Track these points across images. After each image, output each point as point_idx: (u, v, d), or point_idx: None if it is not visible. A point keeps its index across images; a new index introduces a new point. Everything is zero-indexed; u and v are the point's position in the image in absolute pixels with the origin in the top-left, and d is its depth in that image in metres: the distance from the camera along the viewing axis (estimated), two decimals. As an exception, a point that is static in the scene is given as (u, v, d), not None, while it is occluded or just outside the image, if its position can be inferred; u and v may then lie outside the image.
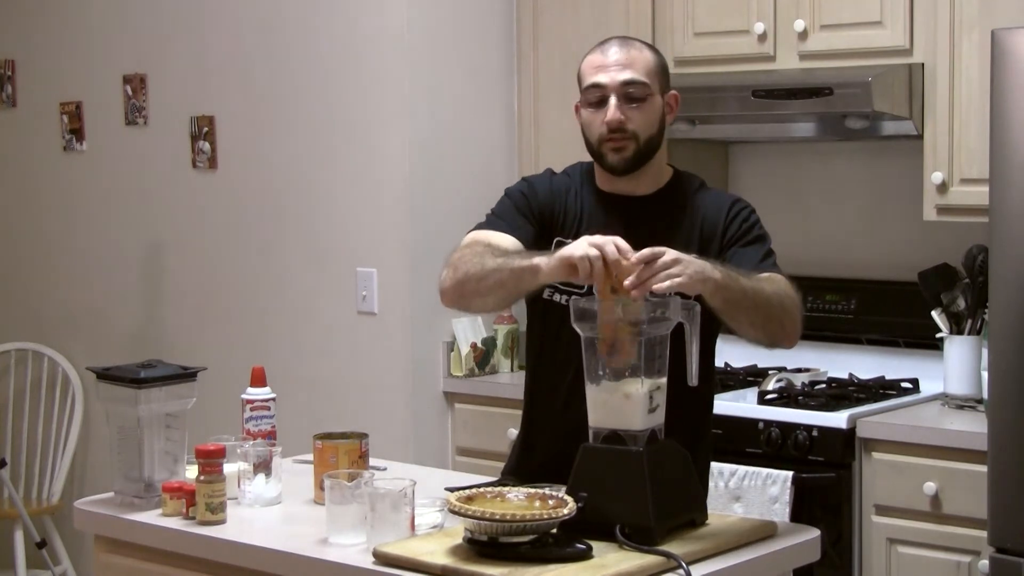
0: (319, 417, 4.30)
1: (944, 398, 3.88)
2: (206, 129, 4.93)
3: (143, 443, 2.85)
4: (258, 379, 3.05)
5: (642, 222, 2.83)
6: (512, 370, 4.60)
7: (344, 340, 4.60)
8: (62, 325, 5.44)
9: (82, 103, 5.31)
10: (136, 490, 2.86)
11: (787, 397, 3.92)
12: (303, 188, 4.69)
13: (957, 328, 3.86)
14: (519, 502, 2.43)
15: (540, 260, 2.63)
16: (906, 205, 4.11)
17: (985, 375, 3.49)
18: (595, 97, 2.84)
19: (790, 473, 3.71)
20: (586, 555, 2.37)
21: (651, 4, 4.27)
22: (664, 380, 2.53)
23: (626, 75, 2.82)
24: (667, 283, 2.49)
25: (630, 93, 2.82)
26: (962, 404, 3.81)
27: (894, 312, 4.16)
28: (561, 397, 2.87)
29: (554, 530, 2.39)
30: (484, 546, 2.37)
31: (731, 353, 4.42)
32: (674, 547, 2.42)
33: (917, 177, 3.88)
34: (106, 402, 2.95)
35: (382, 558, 2.42)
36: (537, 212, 2.91)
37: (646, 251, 2.52)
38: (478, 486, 2.59)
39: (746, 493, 3.75)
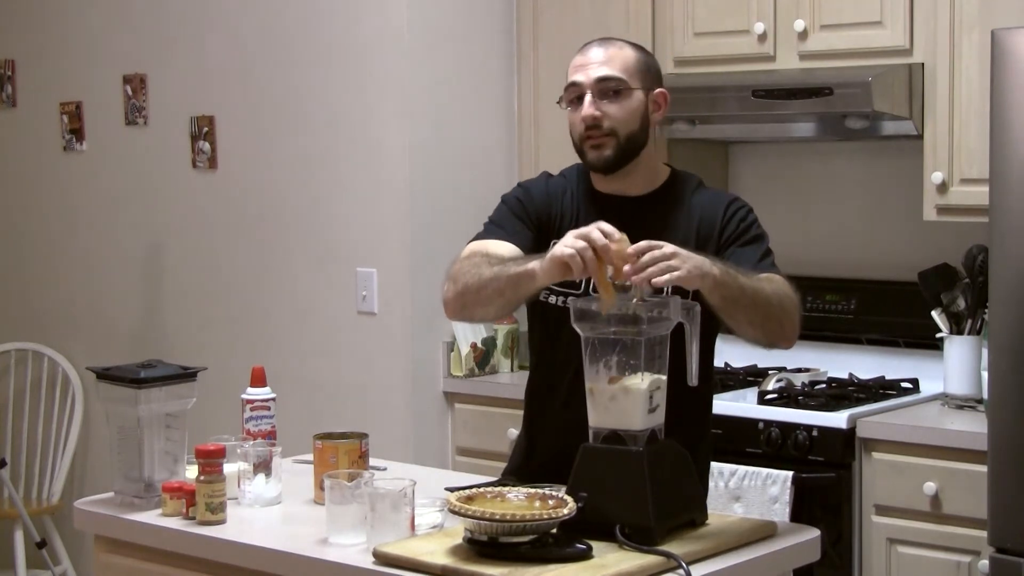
0: (319, 417, 4.30)
1: (944, 398, 3.88)
2: (206, 129, 4.93)
3: (143, 443, 2.85)
4: (258, 379, 3.05)
5: (638, 222, 2.80)
6: (512, 370, 4.60)
7: (344, 340, 4.60)
8: (62, 325, 5.44)
9: (82, 103, 5.31)
10: (136, 490, 2.86)
11: (787, 397, 3.92)
12: (303, 188, 4.69)
13: (957, 328, 3.86)
14: (519, 502, 2.43)
15: (535, 264, 2.64)
16: (906, 205, 4.11)
17: (985, 375, 3.49)
18: (574, 95, 2.86)
19: (790, 473, 3.71)
20: (586, 555, 2.37)
21: (651, 4, 4.27)
22: (664, 379, 2.53)
23: (601, 71, 2.84)
24: (665, 276, 2.49)
25: (606, 88, 2.83)
26: (962, 404, 3.81)
27: (894, 312, 4.16)
28: (561, 397, 2.88)
29: (554, 530, 2.39)
30: (484, 546, 2.37)
31: (731, 353, 4.42)
32: (674, 547, 2.42)
33: (917, 177, 3.88)
34: (106, 402, 2.95)
35: (382, 558, 2.42)
36: (534, 216, 2.91)
37: (643, 243, 2.53)
38: (478, 486, 2.59)
39: (746, 493, 3.75)
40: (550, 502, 2.41)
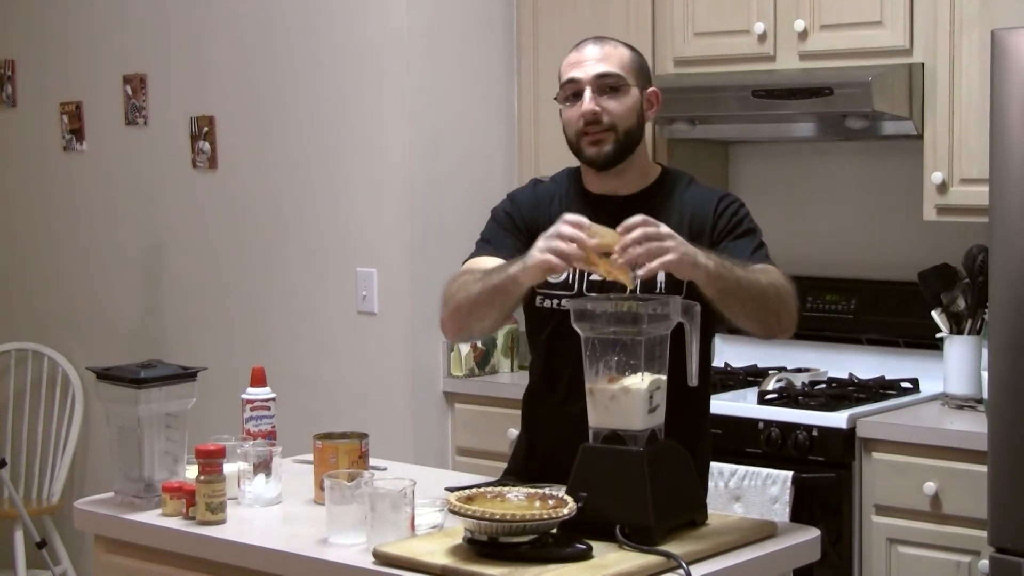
0: (319, 417, 4.30)
1: (944, 398, 3.88)
2: (206, 129, 4.93)
3: (143, 443, 2.85)
4: (258, 379, 3.05)
5: (622, 220, 2.77)
6: (512, 370, 4.60)
7: (344, 340, 4.60)
8: (62, 325, 5.44)
9: (82, 103, 5.31)
10: (136, 490, 2.86)
11: (787, 397, 3.92)
12: (303, 188, 4.69)
13: (957, 328, 3.86)
14: (519, 502, 2.43)
15: (516, 270, 2.65)
16: (906, 205, 4.11)
17: (985, 375, 3.49)
18: (571, 91, 2.87)
19: (790, 473, 3.71)
20: (586, 555, 2.37)
21: (651, 4, 4.27)
22: (664, 379, 2.53)
23: (600, 67, 2.85)
24: (656, 263, 2.51)
25: (605, 84, 2.85)
26: (962, 404, 3.81)
27: (894, 312, 4.16)
28: (558, 397, 2.88)
29: (554, 530, 2.39)
30: (484, 546, 2.37)
31: (731, 353, 4.42)
32: (674, 547, 2.42)
33: (917, 177, 3.88)
34: (106, 402, 2.95)
35: (382, 558, 2.42)
36: (523, 226, 2.92)
37: (638, 217, 2.54)
38: (478, 486, 2.59)
39: (746, 493, 3.75)
40: (550, 502, 2.41)
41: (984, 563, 3.39)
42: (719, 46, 4.14)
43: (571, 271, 2.83)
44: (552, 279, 2.82)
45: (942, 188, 3.79)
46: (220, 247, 4.93)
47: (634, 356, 2.49)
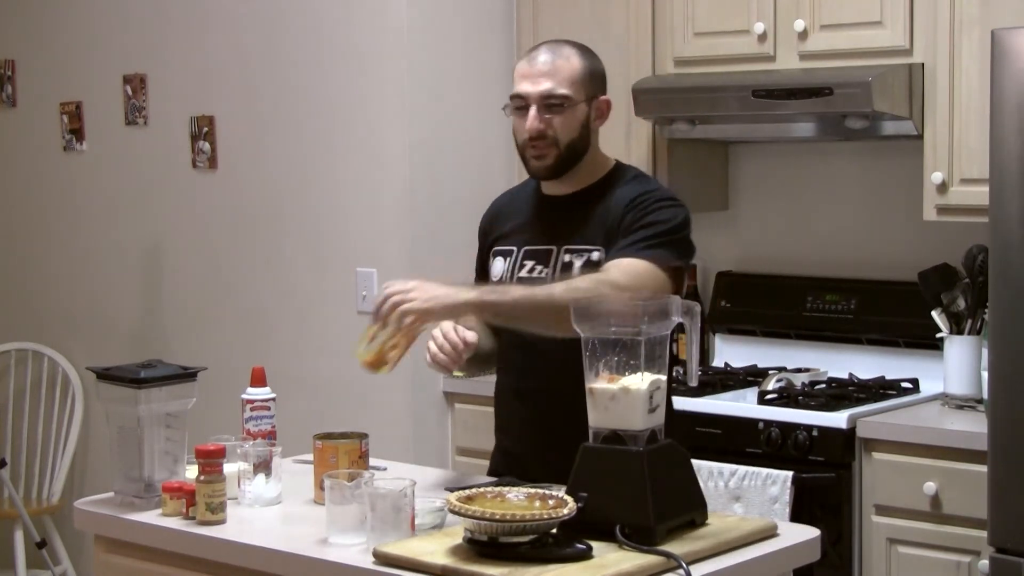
0: (319, 417, 4.30)
1: (944, 398, 3.88)
2: (206, 129, 4.93)
3: (143, 443, 2.85)
4: (258, 379, 3.05)
5: (561, 220, 2.96)
6: (512, 370, 4.60)
7: (344, 340, 4.57)
8: (62, 325, 5.44)
9: (82, 103, 5.31)
10: (136, 490, 2.86)
11: (787, 397, 3.92)
12: (303, 188, 4.69)
13: (957, 328, 3.86)
14: (519, 502, 2.43)
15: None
16: (906, 205, 4.11)
17: (985, 375, 3.49)
18: (519, 104, 2.95)
19: (790, 473, 3.71)
20: (586, 555, 2.37)
21: (651, 4, 4.27)
22: (664, 379, 2.54)
23: (546, 86, 2.93)
24: (408, 319, 2.64)
25: (550, 103, 2.92)
26: (962, 404, 3.81)
27: (894, 312, 4.16)
28: (503, 382, 3.10)
29: (554, 530, 2.39)
30: (484, 546, 2.37)
31: (731, 353, 4.42)
32: (674, 547, 2.42)
33: (917, 177, 3.88)
34: (106, 402, 2.95)
35: (382, 558, 2.42)
36: (489, 245, 3.11)
37: (388, 289, 2.68)
38: (478, 486, 2.59)
39: (746, 493, 3.75)
40: (550, 502, 2.41)
41: (984, 563, 3.39)
42: (719, 46, 4.14)
43: (505, 270, 3.00)
44: (493, 276, 3.02)
45: (942, 188, 3.79)
46: (220, 247, 4.93)
47: (634, 356, 2.49)
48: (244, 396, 3.03)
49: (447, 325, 2.90)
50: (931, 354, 4.01)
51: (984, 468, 3.34)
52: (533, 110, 2.92)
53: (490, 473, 3.10)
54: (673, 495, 2.51)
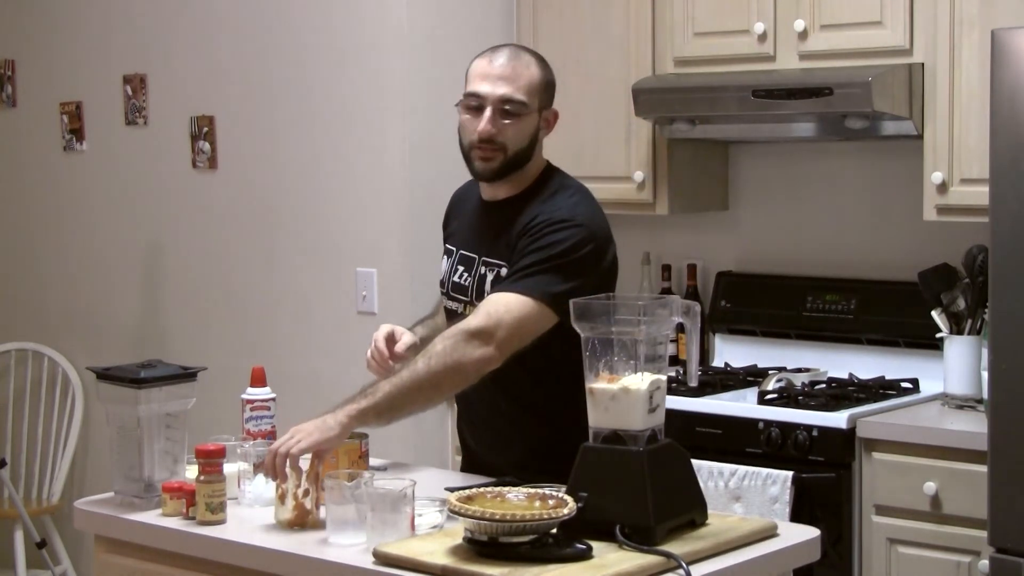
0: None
1: (944, 398, 3.88)
2: (206, 129, 4.93)
3: (143, 443, 2.85)
4: (258, 379, 3.05)
5: (486, 228, 3.00)
6: (512, 370, 4.60)
7: (344, 340, 4.60)
8: (62, 325, 5.44)
9: (82, 103, 5.32)
10: (136, 490, 2.86)
11: (787, 397, 3.92)
12: (303, 188, 4.69)
13: (957, 328, 3.86)
14: (519, 502, 2.43)
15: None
16: (906, 205, 4.11)
17: (985, 375, 3.49)
18: (473, 103, 2.94)
19: (790, 473, 3.71)
20: (586, 555, 2.37)
21: (651, 4, 4.26)
22: (664, 379, 2.54)
23: (506, 91, 2.92)
24: (299, 459, 2.65)
25: (506, 109, 2.91)
26: (962, 404, 3.81)
27: (894, 312, 4.16)
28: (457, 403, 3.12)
29: (554, 530, 2.39)
30: (484, 546, 2.37)
31: (731, 353, 4.42)
32: (674, 547, 2.42)
33: (917, 177, 3.88)
34: (106, 402, 2.95)
35: (382, 558, 2.42)
36: (445, 238, 3.18)
37: (272, 446, 2.70)
38: (478, 486, 2.60)
39: (746, 493, 3.75)
40: (550, 502, 2.41)
41: (984, 563, 3.38)
42: (719, 46, 4.14)
43: (447, 271, 3.08)
44: (440, 273, 3.08)
45: (942, 188, 3.79)
46: (220, 247, 4.93)
47: (634, 356, 2.49)
48: (244, 396, 3.04)
49: (383, 331, 3.00)
50: (931, 354, 4.00)
51: (984, 468, 3.34)
52: (488, 112, 2.91)
53: (463, 472, 3.15)
54: (673, 495, 2.51)
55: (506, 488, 2.50)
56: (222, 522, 2.71)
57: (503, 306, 2.77)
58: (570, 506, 2.40)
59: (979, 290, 3.76)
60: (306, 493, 2.66)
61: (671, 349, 3.76)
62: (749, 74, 4.04)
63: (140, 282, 5.20)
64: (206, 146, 4.93)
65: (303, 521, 2.65)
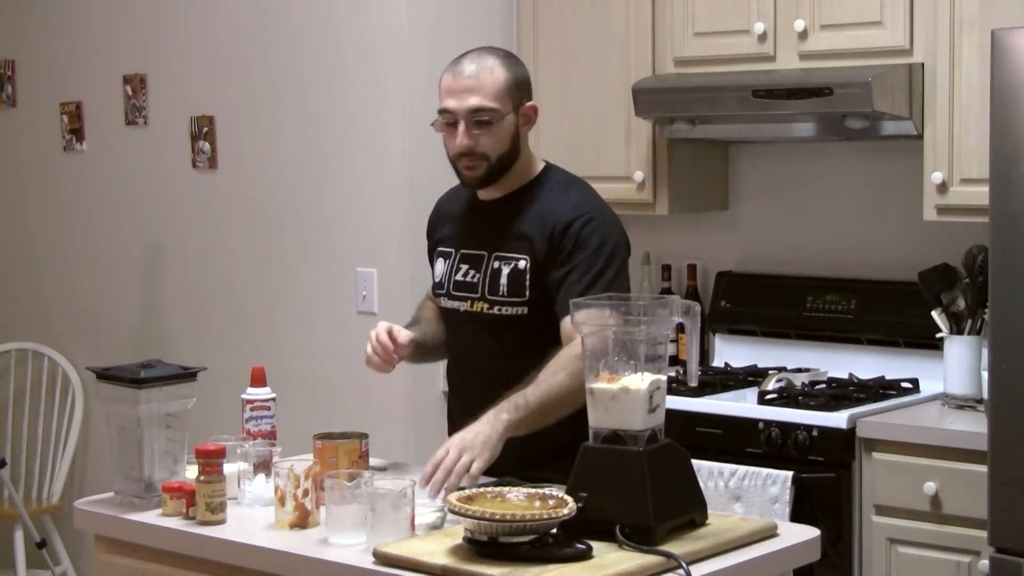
0: (319, 417, 4.30)
1: (944, 398, 3.88)
2: (206, 129, 4.93)
3: (143, 443, 2.85)
4: (258, 379, 3.05)
5: (491, 225, 3.02)
6: (512, 370, 4.59)
7: (344, 340, 4.59)
8: (62, 325, 5.44)
9: (82, 103, 5.31)
10: (136, 490, 2.86)
11: (787, 397, 3.92)
12: (303, 188, 4.69)
13: (957, 328, 3.86)
14: (519, 502, 2.43)
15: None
16: (906, 205, 4.11)
17: (985, 375, 3.49)
18: (447, 120, 2.98)
19: (790, 473, 3.71)
20: (586, 555, 2.37)
21: (651, 4, 4.26)
22: (664, 379, 2.54)
23: (473, 102, 2.95)
24: (470, 474, 2.71)
25: (478, 119, 2.94)
26: (962, 404, 3.81)
27: (894, 312, 4.16)
28: (454, 390, 3.18)
29: (554, 530, 2.39)
30: (484, 546, 2.37)
31: (731, 353, 4.42)
32: (674, 547, 2.42)
33: (917, 177, 3.88)
34: (106, 402, 2.95)
35: (382, 558, 2.42)
36: (432, 245, 3.21)
37: (433, 461, 2.76)
38: (478, 486, 2.60)
39: (746, 493, 3.75)
40: (550, 502, 2.41)
41: (984, 563, 3.39)
42: (719, 46, 4.14)
43: (445, 272, 3.09)
44: (435, 277, 3.15)
45: (942, 188, 3.79)
46: (220, 247, 4.93)
47: (634, 356, 2.49)
48: (244, 396, 3.04)
49: (381, 327, 3.03)
50: (931, 354, 4.01)
51: (984, 468, 3.34)
52: (462, 126, 2.94)
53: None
54: (673, 495, 2.51)
55: (506, 488, 2.50)
56: (222, 522, 2.72)
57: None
58: (570, 506, 2.40)
59: (979, 290, 3.76)
60: (306, 493, 2.66)
61: (671, 349, 3.76)
62: (749, 74, 4.04)
63: (140, 282, 5.20)
64: (206, 146, 4.93)
65: (304, 520, 2.66)
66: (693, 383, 2.69)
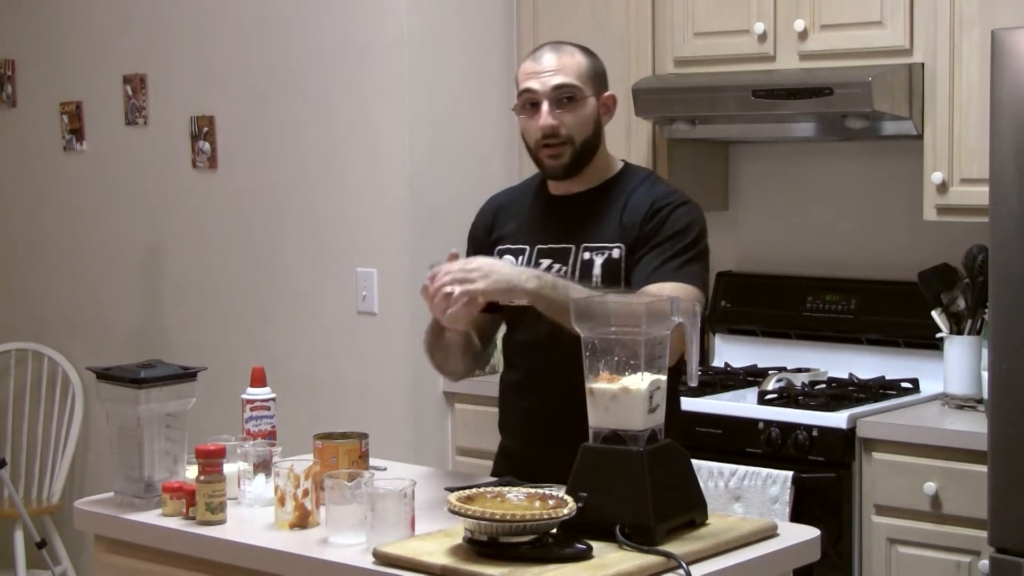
0: (319, 417, 4.30)
1: (944, 398, 3.88)
2: (206, 129, 4.93)
3: (143, 443, 2.85)
4: (258, 379, 3.05)
5: (575, 219, 2.95)
6: (512, 370, 4.60)
7: (344, 340, 4.60)
8: (62, 325, 5.44)
9: (82, 103, 5.32)
10: (136, 490, 2.86)
11: (787, 397, 3.92)
12: (303, 188, 4.69)
13: (957, 328, 3.86)
14: (519, 502, 2.43)
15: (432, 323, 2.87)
16: (906, 205, 4.11)
17: (985, 375, 3.49)
18: (528, 102, 2.93)
19: (790, 473, 3.71)
20: (586, 555, 2.37)
21: (651, 4, 4.27)
22: (664, 379, 2.54)
23: (556, 79, 2.91)
24: (458, 290, 2.65)
25: (561, 96, 2.90)
26: (962, 404, 3.82)
27: (894, 312, 4.16)
28: (513, 394, 3.04)
29: (554, 530, 2.39)
30: (484, 546, 2.37)
31: (731, 353, 4.42)
32: (674, 547, 2.42)
33: (917, 177, 3.89)
34: (106, 402, 2.95)
35: (382, 558, 2.42)
36: (486, 247, 3.04)
37: (456, 263, 2.70)
38: (478, 486, 2.60)
39: (746, 493, 3.76)
40: (550, 502, 2.41)
41: (984, 563, 3.39)
42: (719, 46, 4.14)
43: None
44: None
45: (942, 188, 3.79)
46: (220, 247, 4.93)
47: (634, 356, 2.49)
48: (244, 396, 3.04)
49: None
50: (931, 354, 4.01)
51: (984, 468, 3.34)
52: (545, 106, 2.90)
53: (493, 475, 3.10)
54: (673, 495, 2.51)
55: (506, 488, 2.50)
56: (222, 522, 2.71)
57: (673, 290, 2.75)
58: (570, 506, 2.40)
59: (979, 290, 3.76)
60: (306, 493, 2.66)
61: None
62: (749, 74, 4.04)
63: (140, 282, 5.20)
64: (206, 146, 4.93)
65: (304, 520, 2.66)
66: (693, 383, 2.68)
